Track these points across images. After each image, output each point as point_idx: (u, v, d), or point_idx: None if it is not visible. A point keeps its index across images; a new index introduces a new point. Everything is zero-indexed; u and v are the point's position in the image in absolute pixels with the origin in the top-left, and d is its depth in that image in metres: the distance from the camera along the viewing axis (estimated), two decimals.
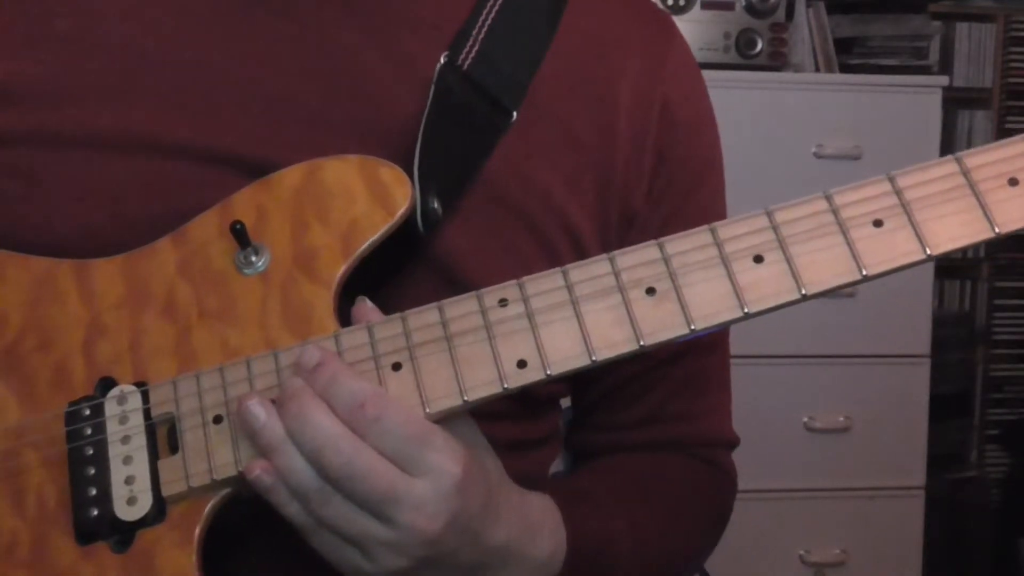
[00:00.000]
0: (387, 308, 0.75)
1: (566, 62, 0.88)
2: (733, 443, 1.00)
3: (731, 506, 1.00)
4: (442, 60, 0.84)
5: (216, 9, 0.84)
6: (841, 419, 2.50)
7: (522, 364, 0.71)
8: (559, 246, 0.86)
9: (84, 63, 0.82)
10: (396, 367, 0.72)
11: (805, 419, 2.49)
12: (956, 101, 2.96)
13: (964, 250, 0.71)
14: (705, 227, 0.72)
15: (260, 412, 0.70)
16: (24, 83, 0.82)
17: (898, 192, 0.71)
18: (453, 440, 0.71)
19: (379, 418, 0.69)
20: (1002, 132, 3.03)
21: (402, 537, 0.69)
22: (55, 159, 0.81)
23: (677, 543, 0.93)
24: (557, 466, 0.99)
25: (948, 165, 0.71)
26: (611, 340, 0.71)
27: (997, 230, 0.69)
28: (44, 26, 0.83)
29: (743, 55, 2.51)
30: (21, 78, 0.82)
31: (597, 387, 0.94)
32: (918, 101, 2.50)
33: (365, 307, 0.75)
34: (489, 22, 0.86)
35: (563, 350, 0.71)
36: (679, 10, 2.49)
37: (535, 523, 0.78)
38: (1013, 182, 0.70)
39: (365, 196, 0.78)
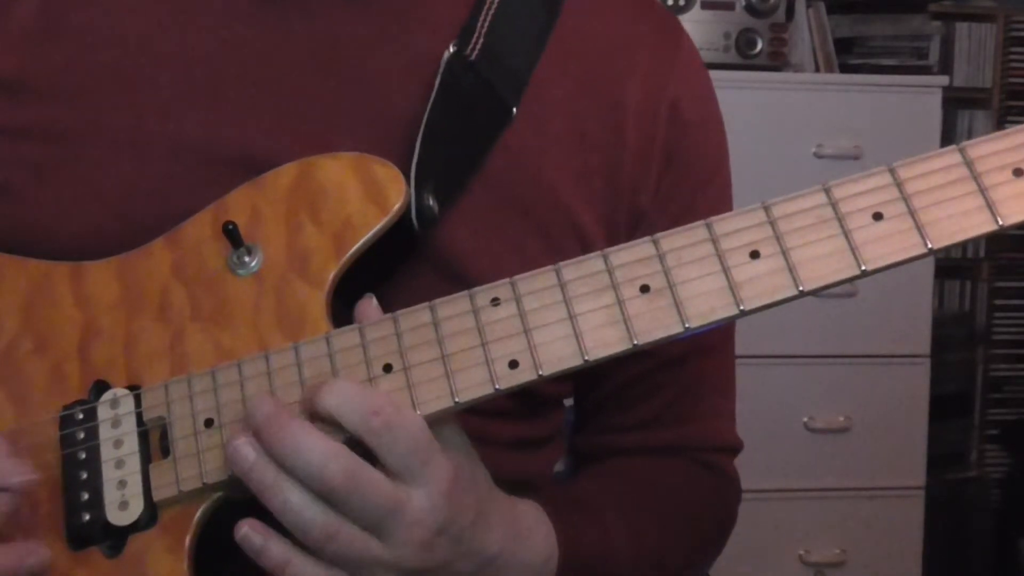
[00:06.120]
0: (389, 307, 0.74)
1: (574, 61, 0.88)
2: (736, 448, 0.99)
3: (735, 513, 0.99)
4: (450, 50, 0.83)
5: (226, 6, 0.84)
6: (841, 419, 2.49)
7: (514, 365, 0.70)
8: (565, 244, 0.85)
9: (97, 58, 0.82)
10: (387, 368, 0.71)
11: (805, 419, 2.48)
12: (956, 101, 2.95)
13: (965, 245, 0.69)
14: (701, 222, 0.71)
15: (249, 452, 0.69)
16: (37, 77, 0.82)
17: (899, 184, 0.69)
18: (444, 451, 0.70)
19: (391, 426, 0.68)
20: None
21: (399, 554, 0.69)
22: (65, 157, 0.81)
23: (677, 550, 0.92)
24: (560, 465, 0.98)
25: (951, 156, 0.69)
26: (604, 340, 0.70)
27: (1001, 222, 0.67)
28: (61, 18, 0.83)
29: (743, 55, 2.50)
30: (35, 71, 0.82)
31: (601, 389, 0.94)
32: (918, 101, 2.49)
33: (368, 306, 0.74)
34: (491, 15, 0.85)
35: (555, 350, 0.70)
36: (679, 10, 2.49)
37: (526, 529, 0.78)
38: (1018, 172, 0.68)
39: (359, 194, 0.77)
